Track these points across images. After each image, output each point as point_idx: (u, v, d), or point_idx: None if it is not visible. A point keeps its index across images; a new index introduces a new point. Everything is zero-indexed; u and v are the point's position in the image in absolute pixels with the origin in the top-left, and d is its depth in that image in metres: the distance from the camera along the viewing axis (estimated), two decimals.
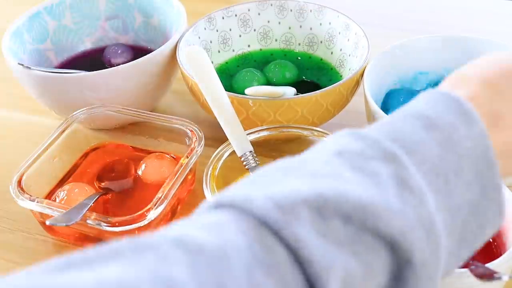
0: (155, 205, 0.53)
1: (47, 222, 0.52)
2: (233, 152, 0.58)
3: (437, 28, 0.91)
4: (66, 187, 0.60)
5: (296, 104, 0.59)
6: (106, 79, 0.64)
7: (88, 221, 0.53)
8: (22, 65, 0.66)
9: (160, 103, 0.77)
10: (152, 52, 0.66)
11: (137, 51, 0.79)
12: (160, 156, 0.64)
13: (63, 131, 0.63)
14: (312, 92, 0.59)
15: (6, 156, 0.72)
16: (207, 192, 0.53)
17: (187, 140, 0.62)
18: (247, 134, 0.59)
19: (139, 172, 0.63)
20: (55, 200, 0.59)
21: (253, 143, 0.59)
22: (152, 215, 0.53)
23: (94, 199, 0.57)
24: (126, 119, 0.65)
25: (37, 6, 0.76)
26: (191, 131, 0.61)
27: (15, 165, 0.60)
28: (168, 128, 0.63)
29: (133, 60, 0.66)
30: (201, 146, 0.60)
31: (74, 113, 0.64)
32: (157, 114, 0.64)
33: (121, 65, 0.65)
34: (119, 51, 0.77)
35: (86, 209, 0.54)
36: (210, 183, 0.54)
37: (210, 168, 0.56)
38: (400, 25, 0.93)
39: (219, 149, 0.58)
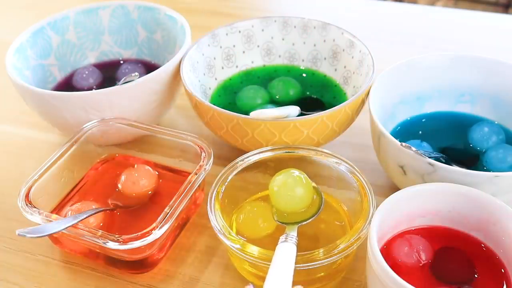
0: (161, 222, 0.53)
1: (17, 232, 0.51)
2: (239, 171, 0.58)
3: (444, 45, 0.91)
4: (75, 206, 0.60)
5: (301, 125, 0.59)
6: (110, 97, 0.64)
7: (87, 237, 0.53)
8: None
9: (163, 119, 0.77)
10: (156, 70, 0.66)
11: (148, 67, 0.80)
12: (139, 167, 0.64)
13: (73, 143, 0.63)
14: (318, 113, 0.59)
15: (8, 173, 0.72)
16: (211, 215, 0.53)
17: (195, 156, 0.62)
18: (252, 155, 0.59)
19: (119, 185, 0.63)
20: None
21: (258, 162, 0.59)
22: (158, 232, 0.52)
23: (89, 214, 0.57)
24: (136, 133, 0.65)
25: (41, 21, 0.76)
26: (200, 147, 0.61)
27: (17, 183, 0.60)
28: (177, 143, 0.63)
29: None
30: (210, 164, 0.59)
31: (84, 126, 0.64)
32: (167, 128, 0.64)
33: (125, 84, 0.64)
34: (131, 70, 0.77)
35: (72, 222, 0.53)
36: (214, 206, 0.54)
37: (215, 191, 0.55)
38: (407, 41, 0.94)
39: (223, 171, 0.58)
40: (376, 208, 0.50)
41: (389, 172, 0.61)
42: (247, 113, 0.61)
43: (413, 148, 0.54)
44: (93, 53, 0.82)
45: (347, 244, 0.49)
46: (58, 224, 0.53)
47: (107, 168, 0.67)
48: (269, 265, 0.48)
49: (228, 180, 0.57)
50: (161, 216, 0.53)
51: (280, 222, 0.54)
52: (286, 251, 0.48)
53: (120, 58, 0.83)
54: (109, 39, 0.82)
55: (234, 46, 0.77)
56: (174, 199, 0.55)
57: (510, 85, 0.66)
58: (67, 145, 0.63)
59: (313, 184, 0.57)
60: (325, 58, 0.76)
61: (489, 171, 0.57)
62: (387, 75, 0.65)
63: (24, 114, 0.80)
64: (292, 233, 0.50)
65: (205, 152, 0.60)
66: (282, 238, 0.50)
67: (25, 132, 0.78)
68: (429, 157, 0.54)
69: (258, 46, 0.78)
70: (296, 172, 0.55)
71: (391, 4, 1.09)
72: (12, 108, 0.82)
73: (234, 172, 0.57)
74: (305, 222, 0.54)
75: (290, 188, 0.55)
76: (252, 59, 0.78)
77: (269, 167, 0.60)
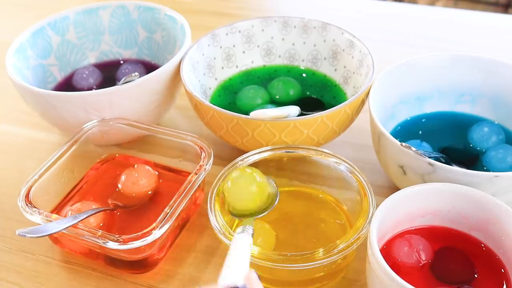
0: (161, 222, 0.53)
1: (17, 232, 0.51)
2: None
3: (444, 45, 0.91)
4: (75, 206, 0.60)
5: (301, 125, 0.59)
6: (110, 97, 0.64)
7: (87, 237, 0.53)
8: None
9: (163, 119, 0.77)
10: (156, 70, 0.66)
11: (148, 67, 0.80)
12: (139, 167, 0.64)
13: (73, 143, 0.63)
14: (318, 113, 0.59)
15: (8, 173, 0.72)
16: (211, 216, 0.53)
17: (195, 156, 0.61)
18: (252, 155, 0.59)
19: (119, 185, 0.63)
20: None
21: (258, 162, 0.59)
22: (158, 233, 0.52)
23: (89, 214, 0.57)
24: (136, 133, 0.65)
25: (41, 21, 0.76)
26: (200, 147, 0.61)
27: (17, 183, 0.60)
28: (177, 143, 0.63)
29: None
30: (210, 164, 0.59)
31: (84, 126, 0.65)
32: (167, 128, 0.64)
33: (125, 84, 0.64)
34: (131, 70, 0.77)
35: (72, 222, 0.53)
36: (214, 206, 0.54)
37: (215, 191, 0.55)
38: (407, 41, 0.94)
39: (223, 171, 0.58)
40: (376, 208, 0.50)
41: (389, 172, 0.61)
42: (247, 113, 0.61)
43: (413, 148, 0.54)
44: (93, 53, 0.82)
45: (347, 244, 0.49)
46: (58, 224, 0.53)
47: (107, 168, 0.67)
48: (269, 264, 0.48)
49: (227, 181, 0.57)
50: (161, 216, 0.53)
51: (236, 216, 0.55)
52: (242, 241, 0.49)
53: (120, 58, 0.83)
54: (109, 39, 0.82)
55: (234, 46, 0.77)
56: (174, 199, 0.55)
57: (510, 85, 0.66)
58: (67, 145, 0.63)
59: (267, 179, 0.56)
60: (325, 58, 0.76)
61: (489, 171, 0.57)
62: (387, 75, 0.65)
63: (24, 114, 0.80)
64: (249, 225, 0.51)
65: (205, 152, 0.60)
66: (239, 229, 0.50)
67: (25, 132, 0.78)
68: (429, 157, 0.54)
69: (258, 46, 0.78)
70: (248, 171, 0.55)
71: (391, 4, 1.09)
72: (12, 108, 0.82)
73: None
74: (260, 215, 0.54)
75: (243, 187, 0.55)
76: (252, 59, 0.78)
77: (269, 167, 0.60)
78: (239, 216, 0.54)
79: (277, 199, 0.56)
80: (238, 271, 0.44)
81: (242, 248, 0.47)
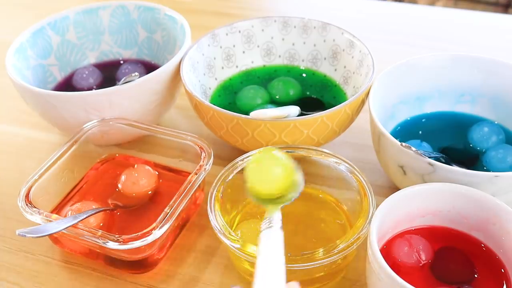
0: (161, 222, 0.53)
1: (17, 232, 0.51)
2: (239, 171, 0.58)
3: (444, 45, 0.91)
4: (75, 206, 0.59)
5: (301, 125, 0.59)
6: (110, 97, 0.64)
7: (87, 237, 0.53)
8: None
9: (163, 119, 0.77)
10: (156, 70, 0.66)
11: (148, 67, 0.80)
12: (139, 167, 0.64)
13: (73, 143, 0.63)
14: (318, 113, 0.59)
15: (8, 173, 0.72)
16: (211, 216, 0.53)
17: (195, 156, 0.61)
18: (252, 155, 0.59)
19: (119, 185, 0.63)
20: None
21: None
22: (158, 232, 0.52)
23: (89, 214, 0.57)
24: (136, 133, 0.65)
25: (41, 21, 0.76)
26: (200, 147, 0.61)
27: (17, 183, 0.60)
28: (177, 143, 0.63)
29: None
30: (210, 164, 0.59)
31: (84, 126, 0.65)
32: (167, 128, 0.64)
33: (125, 84, 0.64)
34: (131, 70, 0.77)
35: (72, 222, 0.53)
36: (214, 206, 0.54)
37: (215, 191, 0.55)
38: (407, 41, 0.94)
39: (223, 171, 0.58)
40: (376, 208, 0.50)
41: (389, 172, 0.61)
42: (247, 113, 0.61)
43: (413, 148, 0.54)
44: (93, 53, 0.82)
45: (347, 244, 0.49)
46: (58, 224, 0.53)
47: (107, 168, 0.67)
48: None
49: (228, 180, 0.57)
50: (161, 216, 0.53)
51: (257, 200, 0.50)
52: (273, 239, 0.42)
53: (120, 58, 0.83)
54: (109, 39, 0.82)
55: (234, 46, 0.77)
56: (174, 199, 0.55)
57: (510, 85, 0.66)
58: (67, 145, 0.63)
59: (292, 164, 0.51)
60: (325, 58, 0.76)
61: (489, 171, 0.57)
62: (387, 75, 0.65)
63: (24, 114, 0.80)
64: (275, 216, 0.45)
65: (205, 152, 0.60)
66: (264, 223, 0.45)
67: (25, 132, 0.78)
68: (429, 157, 0.54)
69: (258, 46, 0.78)
70: (275, 151, 0.50)
71: (391, 4, 1.09)
72: (12, 108, 0.82)
73: (234, 172, 0.57)
74: (287, 202, 0.49)
75: (268, 165, 0.49)
76: (252, 59, 0.78)
77: None
78: (260, 200, 0.50)
79: (302, 186, 0.50)
80: (274, 281, 0.38)
81: (274, 249, 0.41)
